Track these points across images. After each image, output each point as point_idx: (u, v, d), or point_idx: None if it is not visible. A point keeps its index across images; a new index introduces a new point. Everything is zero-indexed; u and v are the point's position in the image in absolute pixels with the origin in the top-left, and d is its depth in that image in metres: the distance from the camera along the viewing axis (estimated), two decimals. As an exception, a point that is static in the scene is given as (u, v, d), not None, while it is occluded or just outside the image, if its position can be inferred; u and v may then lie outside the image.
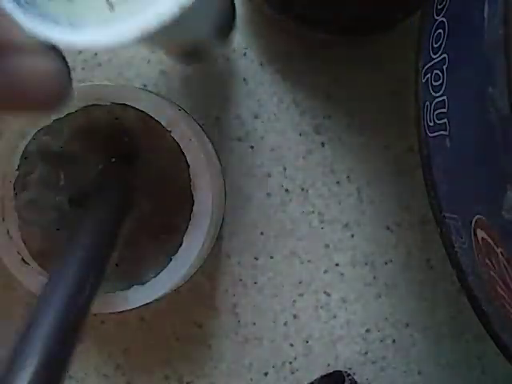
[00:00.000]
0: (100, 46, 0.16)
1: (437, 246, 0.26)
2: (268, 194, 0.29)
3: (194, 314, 0.29)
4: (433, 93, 0.21)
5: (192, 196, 0.23)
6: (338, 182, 0.29)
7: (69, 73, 0.14)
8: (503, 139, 0.17)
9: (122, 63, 0.29)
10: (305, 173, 0.29)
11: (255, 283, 0.29)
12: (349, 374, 0.29)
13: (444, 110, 0.21)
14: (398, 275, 0.29)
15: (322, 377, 0.29)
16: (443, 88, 0.20)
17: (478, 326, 0.25)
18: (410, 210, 0.29)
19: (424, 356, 0.30)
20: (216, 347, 0.29)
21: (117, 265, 0.25)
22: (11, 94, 0.13)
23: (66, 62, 0.14)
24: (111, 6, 0.17)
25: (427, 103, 0.22)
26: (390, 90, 0.29)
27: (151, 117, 0.23)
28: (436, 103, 0.21)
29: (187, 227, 0.23)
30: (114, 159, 0.24)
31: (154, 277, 0.23)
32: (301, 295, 0.29)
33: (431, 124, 0.22)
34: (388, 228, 0.29)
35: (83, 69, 0.29)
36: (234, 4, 0.24)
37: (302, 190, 0.29)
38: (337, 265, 0.29)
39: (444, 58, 0.21)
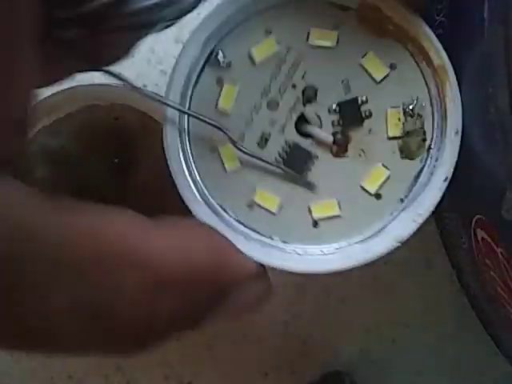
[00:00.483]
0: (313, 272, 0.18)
1: (437, 246, 0.26)
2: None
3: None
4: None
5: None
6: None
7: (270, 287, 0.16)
8: (503, 139, 0.17)
9: (122, 63, 0.29)
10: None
11: (255, 283, 0.29)
12: (348, 374, 0.29)
13: (444, 110, 0.21)
14: (398, 275, 0.29)
15: (322, 377, 0.29)
16: (443, 88, 0.20)
17: (478, 325, 0.25)
18: (410, 210, 0.29)
19: (424, 356, 0.30)
20: (216, 347, 0.29)
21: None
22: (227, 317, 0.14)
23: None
24: (315, 223, 0.18)
25: (427, 103, 0.22)
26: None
27: (151, 117, 0.23)
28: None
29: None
30: (116, 159, 0.24)
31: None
32: (301, 295, 0.29)
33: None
34: (388, 228, 0.29)
35: (83, 69, 0.29)
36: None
37: (302, 190, 0.29)
38: (337, 265, 0.29)
39: (444, 58, 0.21)
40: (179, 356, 0.30)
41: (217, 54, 0.18)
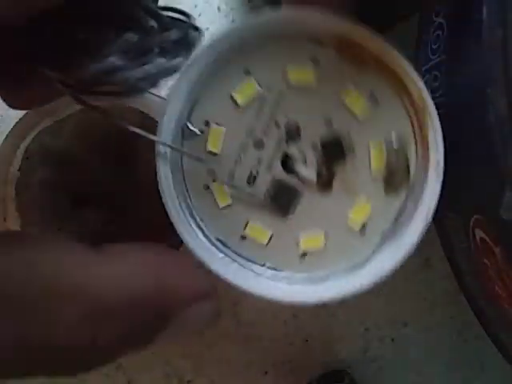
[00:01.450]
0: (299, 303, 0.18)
1: (436, 246, 0.26)
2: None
3: (194, 314, 0.29)
4: (432, 94, 0.21)
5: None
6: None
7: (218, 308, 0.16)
8: (501, 139, 0.17)
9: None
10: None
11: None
12: (348, 373, 0.29)
13: (443, 111, 0.21)
14: (397, 275, 0.29)
15: (322, 375, 0.29)
16: (442, 89, 0.21)
17: (478, 325, 0.25)
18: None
19: (423, 355, 0.30)
20: (216, 346, 0.30)
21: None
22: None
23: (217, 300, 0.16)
24: (303, 254, 0.19)
25: (426, 104, 0.22)
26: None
27: (151, 117, 0.23)
28: (435, 104, 0.21)
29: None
30: (117, 160, 0.24)
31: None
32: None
33: (430, 124, 0.22)
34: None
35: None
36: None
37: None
38: (336, 264, 0.29)
39: (443, 59, 0.21)
40: (180, 355, 0.30)
41: (187, 126, 0.18)
